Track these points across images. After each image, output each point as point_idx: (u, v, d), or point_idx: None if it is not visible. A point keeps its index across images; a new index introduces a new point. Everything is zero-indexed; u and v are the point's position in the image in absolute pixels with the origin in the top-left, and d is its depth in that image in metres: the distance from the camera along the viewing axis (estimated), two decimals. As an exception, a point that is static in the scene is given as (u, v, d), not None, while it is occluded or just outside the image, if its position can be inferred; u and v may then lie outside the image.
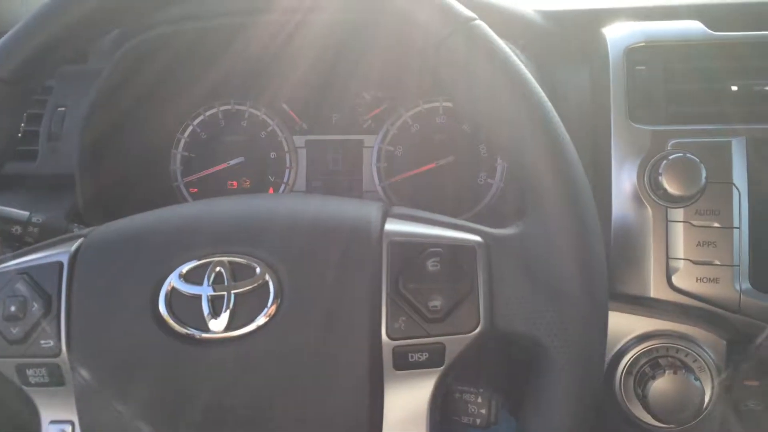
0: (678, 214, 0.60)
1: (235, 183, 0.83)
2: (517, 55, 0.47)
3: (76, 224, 0.61)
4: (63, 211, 0.72)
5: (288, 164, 0.83)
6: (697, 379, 0.59)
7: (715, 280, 0.59)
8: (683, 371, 0.58)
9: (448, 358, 0.43)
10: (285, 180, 0.83)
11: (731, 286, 0.59)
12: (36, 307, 0.45)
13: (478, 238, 0.45)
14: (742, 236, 0.59)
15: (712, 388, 0.61)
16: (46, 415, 0.45)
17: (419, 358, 0.43)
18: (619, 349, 0.62)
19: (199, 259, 0.45)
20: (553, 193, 0.44)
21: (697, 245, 0.59)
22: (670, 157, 0.59)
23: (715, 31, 0.66)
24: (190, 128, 0.83)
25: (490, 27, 0.46)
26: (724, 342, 0.62)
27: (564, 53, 0.76)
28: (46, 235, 0.56)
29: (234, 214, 0.47)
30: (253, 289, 0.43)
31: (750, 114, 0.62)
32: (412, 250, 0.44)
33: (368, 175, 0.82)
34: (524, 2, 0.80)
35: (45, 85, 0.79)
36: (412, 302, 0.43)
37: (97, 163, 0.72)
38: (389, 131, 0.82)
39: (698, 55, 0.66)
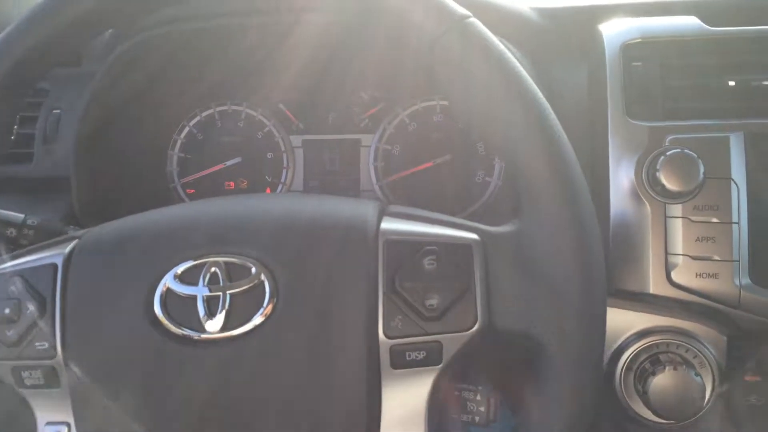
0: (676, 209, 0.60)
1: (232, 183, 0.83)
2: (512, 52, 0.47)
3: (71, 226, 0.60)
4: (59, 214, 0.71)
5: (285, 164, 0.83)
6: (697, 374, 0.59)
7: (715, 276, 0.59)
8: (684, 367, 0.58)
9: (446, 356, 0.43)
10: (282, 180, 0.82)
11: (731, 282, 0.59)
12: (31, 309, 0.44)
13: (474, 236, 0.45)
14: (741, 231, 0.59)
15: (713, 383, 0.60)
16: (41, 417, 0.45)
17: (416, 356, 0.43)
18: (619, 345, 0.62)
19: (194, 260, 0.44)
20: (549, 190, 0.43)
21: (696, 241, 0.59)
22: (668, 153, 0.59)
23: (711, 26, 0.66)
24: (187, 129, 0.83)
25: (486, 25, 0.46)
26: (725, 338, 0.62)
27: (560, 50, 0.76)
28: (41, 238, 0.56)
29: (229, 214, 0.47)
30: (249, 289, 0.43)
31: (747, 109, 0.62)
32: (408, 248, 0.44)
33: (365, 174, 0.82)
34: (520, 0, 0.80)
35: (39, 88, 0.79)
36: (408, 301, 0.43)
37: (92, 165, 0.71)
38: (386, 130, 0.81)
39: (695, 50, 0.65)
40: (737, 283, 0.59)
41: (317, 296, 0.43)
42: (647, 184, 0.60)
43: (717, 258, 0.59)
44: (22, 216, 0.59)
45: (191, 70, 0.77)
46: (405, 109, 0.81)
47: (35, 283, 0.45)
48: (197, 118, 0.83)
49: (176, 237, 0.46)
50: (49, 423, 0.45)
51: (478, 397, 0.47)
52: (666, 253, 0.60)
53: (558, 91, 0.70)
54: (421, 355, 0.43)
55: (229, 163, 0.83)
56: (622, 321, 0.62)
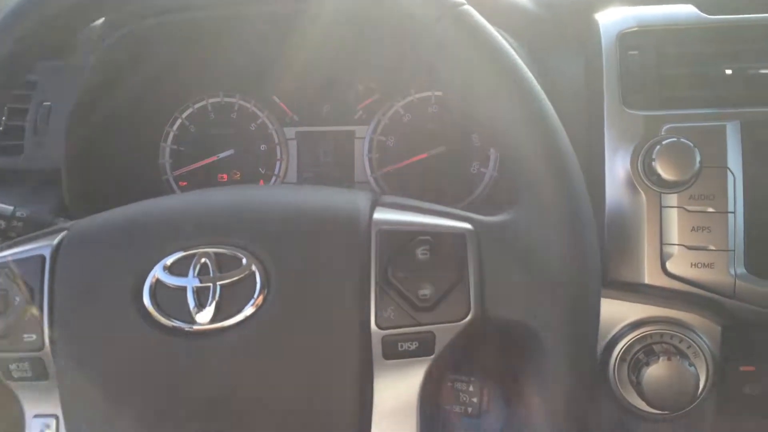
0: (672, 199, 0.60)
1: (225, 176, 0.83)
2: (508, 42, 0.46)
3: (60, 218, 0.60)
4: (49, 206, 0.71)
5: (279, 156, 0.82)
6: (691, 365, 0.58)
7: (710, 266, 0.59)
8: (678, 357, 0.58)
9: (438, 346, 0.43)
10: (276, 172, 0.82)
11: (726, 271, 0.58)
12: (18, 300, 0.44)
13: (468, 226, 0.44)
14: (736, 221, 0.58)
15: (707, 374, 0.60)
16: (29, 409, 0.44)
17: (409, 347, 0.42)
18: (614, 336, 0.62)
19: (183, 251, 0.44)
20: (544, 180, 0.43)
21: (692, 230, 0.59)
22: (664, 143, 0.58)
23: (708, 14, 0.66)
24: (179, 121, 0.82)
25: (481, 14, 0.46)
26: (719, 328, 0.62)
27: (556, 40, 0.75)
28: (31, 230, 0.55)
29: (219, 205, 0.47)
30: (240, 280, 0.43)
31: (744, 97, 0.62)
32: (401, 238, 0.44)
33: (360, 166, 0.81)
34: (516, -11, 0.79)
35: (30, 80, 0.78)
36: (401, 291, 0.42)
37: (83, 158, 0.71)
38: (381, 121, 0.81)
39: (691, 39, 0.65)
40: (732, 272, 0.58)
41: (309, 287, 0.43)
42: (643, 173, 0.60)
43: (712, 248, 0.59)
44: (11, 208, 0.59)
45: (182, 62, 0.76)
46: (400, 100, 0.81)
47: (23, 274, 0.45)
48: (190, 110, 0.82)
49: (166, 228, 0.46)
50: (37, 415, 0.44)
51: (471, 388, 0.47)
52: (661, 243, 0.60)
53: (554, 80, 0.70)
54: (414, 346, 0.42)
55: (222, 155, 0.82)
56: (617, 312, 0.62)
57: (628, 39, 0.65)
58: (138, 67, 0.72)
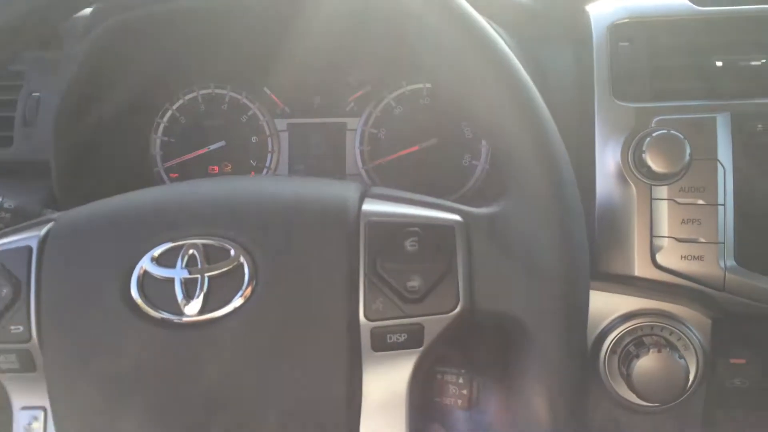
0: (662, 191, 0.60)
1: (216, 168, 0.82)
2: (499, 33, 0.46)
3: (49, 209, 0.59)
4: (39, 197, 0.70)
5: (270, 148, 0.81)
6: (681, 357, 0.59)
7: (700, 258, 0.59)
8: (668, 350, 0.58)
9: (428, 338, 0.42)
10: (267, 164, 0.81)
11: (716, 264, 0.59)
12: (5, 292, 0.44)
13: (457, 217, 0.44)
14: (727, 213, 0.59)
15: (697, 366, 0.60)
16: (17, 402, 0.44)
17: (398, 339, 0.42)
18: (604, 328, 0.62)
19: (171, 242, 0.43)
20: (533, 171, 0.43)
21: (682, 223, 0.59)
22: (654, 134, 0.58)
23: (699, 6, 0.65)
24: (169, 112, 0.82)
25: (471, 5, 0.45)
26: (710, 320, 0.62)
27: (547, 31, 0.75)
28: (19, 221, 0.55)
29: (207, 196, 0.46)
30: (228, 272, 0.43)
31: (735, 89, 0.62)
32: (389, 230, 0.43)
33: (351, 158, 0.81)
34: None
35: (18, 71, 0.78)
36: (389, 283, 0.42)
37: (72, 149, 0.70)
38: (372, 114, 0.80)
39: (683, 30, 0.65)
40: (722, 265, 0.59)
41: (297, 278, 0.43)
42: (633, 165, 0.60)
43: (702, 240, 0.59)
44: (-1, 199, 0.58)
45: (172, 52, 0.76)
46: (391, 92, 0.80)
47: (10, 265, 0.44)
48: (180, 102, 0.82)
49: (153, 219, 0.45)
50: (24, 408, 0.44)
51: (461, 381, 0.47)
52: (651, 235, 0.60)
53: (545, 72, 0.70)
54: (403, 338, 0.42)
55: (212, 147, 0.82)
56: (607, 304, 0.62)
57: (619, 30, 0.65)
58: (127, 58, 0.72)
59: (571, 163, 0.44)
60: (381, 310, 0.42)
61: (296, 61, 0.77)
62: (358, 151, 0.80)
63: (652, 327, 0.61)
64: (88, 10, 0.76)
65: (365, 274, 0.42)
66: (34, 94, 0.76)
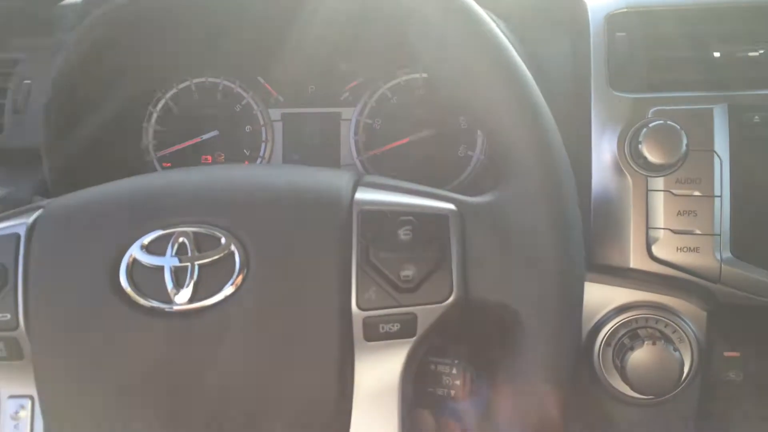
0: (658, 183, 0.59)
1: (209, 157, 0.81)
2: (495, 22, 0.46)
3: (38, 197, 0.59)
4: (30, 185, 0.70)
5: (264, 138, 0.81)
6: (676, 350, 0.58)
7: (696, 250, 0.58)
8: (662, 342, 0.58)
9: (421, 328, 0.42)
10: (261, 154, 0.81)
11: (712, 256, 0.58)
12: None
13: (451, 206, 0.44)
14: (723, 205, 0.58)
15: (692, 359, 0.60)
16: (4, 390, 0.44)
17: (390, 328, 0.42)
18: (598, 320, 0.61)
19: (161, 230, 0.43)
20: (528, 161, 0.43)
21: (678, 214, 0.59)
22: (651, 125, 0.58)
23: (697, -4, 0.65)
24: (162, 102, 0.81)
25: None
26: (705, 313, 0.61)
27: (544, 21, 0.75)
28: (8, 209, 0.54)
29: (198, 184, 0.46)
30: (218, 260, 0.42)
31: (732, 80, 0.61)
32: (383, 218, 0.43)
33: (346, 148, 0.80)
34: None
35: (10, 58, 0.77)
36: (382, 272, 0.42)
37: (63, 138, 0.69)
38: (367, 104, 0.80)
39: (680, 20, 0.64)
40: (718, 257, 0.58)
41: (289, 267, 0.42)
42: (629, 156, 0.60)
43: (698, 232, 0.58)
44: (-12, 187, 0.58)
45: (164, 41, 0.75)
46: (386, 82, 0.79)
47: None
48: (173, 90, 0.81)
49: (143, 206, 0.45)
50: (11, 396, 0.43)
51: (454, 371, 0.46)
52: (647, 226, 0.59)
53: (541, 62, 0.69)
54: (395, 328, 0.42)
55: (206, 136, 0.81)
56: (602, 296, 0.61)
57: (616, 20, 0.65)
58: (117, 46, 0.71)
59: (567, 154, 0.44)
60: (374, 299, 0.42)
61: (291, 51, 0.76)
62: (352, 142, 0.80)
63: (647, 319, 0.60)
64: (79, -1, 0.75)
65: (358, 263, 0.42)
66: (25, 81, 0.75)
